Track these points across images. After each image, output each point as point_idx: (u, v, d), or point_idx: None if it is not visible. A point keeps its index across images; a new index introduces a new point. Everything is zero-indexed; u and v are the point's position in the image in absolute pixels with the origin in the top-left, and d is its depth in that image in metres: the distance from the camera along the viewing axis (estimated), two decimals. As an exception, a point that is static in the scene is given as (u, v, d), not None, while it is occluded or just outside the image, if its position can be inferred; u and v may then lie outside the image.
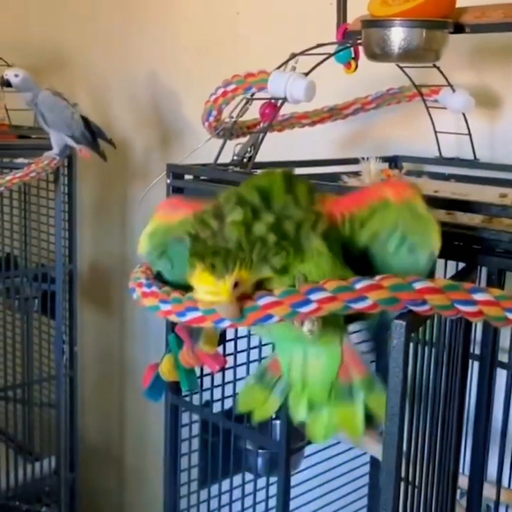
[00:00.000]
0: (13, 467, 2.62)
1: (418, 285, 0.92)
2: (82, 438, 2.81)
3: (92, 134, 2.27)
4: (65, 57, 2.86)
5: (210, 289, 0.93)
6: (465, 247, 1.17)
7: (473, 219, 1.28)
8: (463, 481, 1.33)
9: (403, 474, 1.02)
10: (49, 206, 2.49)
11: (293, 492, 1.63)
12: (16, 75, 2.18)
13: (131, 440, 3.03)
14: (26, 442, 2.77)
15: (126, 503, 3.08)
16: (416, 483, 1.08)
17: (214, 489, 1.63)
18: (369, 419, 1.07)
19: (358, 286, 0.93)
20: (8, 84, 2.19)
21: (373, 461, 1.97)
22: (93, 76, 2.86)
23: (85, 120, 2.26)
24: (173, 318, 1.03)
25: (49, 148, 2.29)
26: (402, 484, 1.02)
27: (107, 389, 3.06)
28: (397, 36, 1.38)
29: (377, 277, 0.93)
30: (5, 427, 2.85)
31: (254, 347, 1.54)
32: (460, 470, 1.30)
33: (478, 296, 0.91)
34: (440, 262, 1.64)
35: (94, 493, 3.06)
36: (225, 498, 1.64)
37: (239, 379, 1.58)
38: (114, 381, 3.02)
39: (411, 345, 0.95)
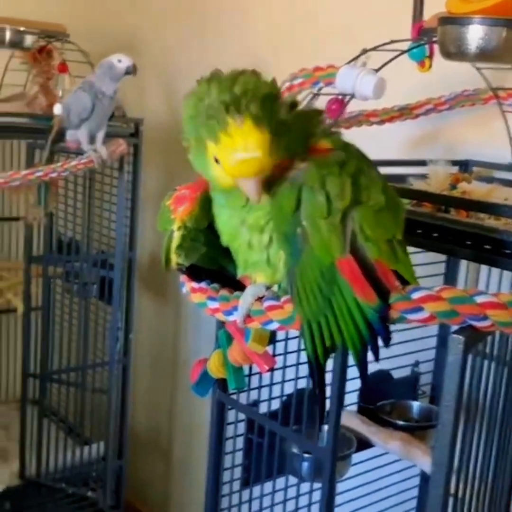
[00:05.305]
0: (62, 450, 2.65)
1: (480, 299, 0.87)
2: (132, 427, 2.82)
3: None
4: (137, 45, 2.86)
5: (245, 142, 0.81)
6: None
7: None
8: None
9: (453, 490, 0.98)
10: (112, 193, 2.51)
11: (338, 500, 1.59)
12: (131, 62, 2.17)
13: (179, 432, 3.03)
14: (77, 426, 2.79)
15: (172, 495, 3.09)
16: (466, 501, 1.04)
17: (256, 490, 1.60)
18: None
19: (415, 296, 0.88)
20: (133, 70, 2.16)
21: (424, 475, 1.92)
22: (164, 66, 2.86)
23: None
24: (219, 316, 1.00)
25: (117, 135, 2.32)
26: (451, 500, 0.98)
27: (159, 379, 3.06)
28: (475, 34, 1.31)
29: (436, 288, 0.88)
30: (57, 409, 2.88)
31: (305, 349, 1.49)
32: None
33: (545, 315, 0.86)
34: (495, 271, 1.58)
35: (140, 482, 3.08)
36: (266, 501, 1.61)
37: (288, 380, 1.54)
38: (166, 371, 3.02)
39: (469, 360, 0.91)
